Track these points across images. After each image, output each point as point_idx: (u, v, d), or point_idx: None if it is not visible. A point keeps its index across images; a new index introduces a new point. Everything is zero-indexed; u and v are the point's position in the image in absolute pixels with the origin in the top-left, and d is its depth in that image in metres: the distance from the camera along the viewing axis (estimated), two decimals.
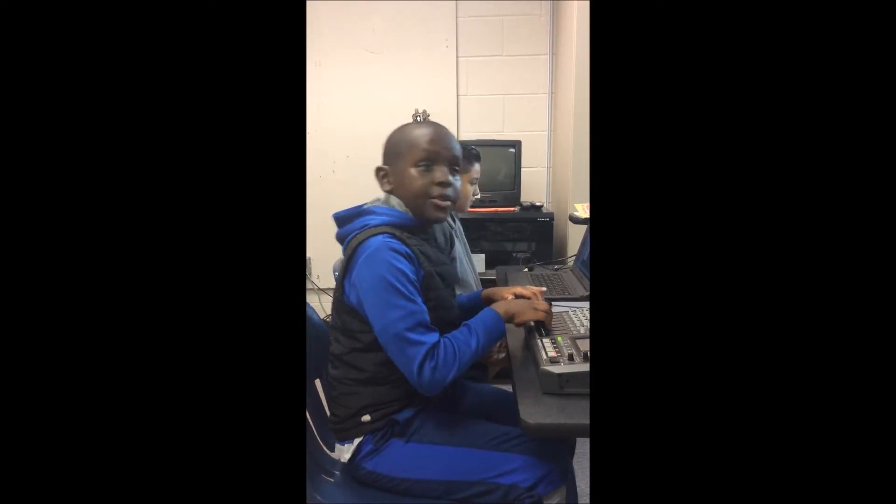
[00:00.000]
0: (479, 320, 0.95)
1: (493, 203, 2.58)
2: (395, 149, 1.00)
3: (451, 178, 0.99)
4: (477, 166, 1.72)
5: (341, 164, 2.89)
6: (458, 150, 1.00)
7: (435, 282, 0.98)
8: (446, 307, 1.02)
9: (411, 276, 0.90)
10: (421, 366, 0.86)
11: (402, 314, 0.87)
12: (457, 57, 2.84)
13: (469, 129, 2.90)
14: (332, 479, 1.03)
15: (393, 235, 0.93)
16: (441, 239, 1.18)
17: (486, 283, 1.92)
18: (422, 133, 0.98)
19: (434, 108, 2.84)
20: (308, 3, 2.76)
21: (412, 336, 0.86)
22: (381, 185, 1.04)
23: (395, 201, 1.01)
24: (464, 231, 1.81)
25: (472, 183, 1.71)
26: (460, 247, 1.71)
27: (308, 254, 2.87)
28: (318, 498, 0.96)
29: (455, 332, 0.92)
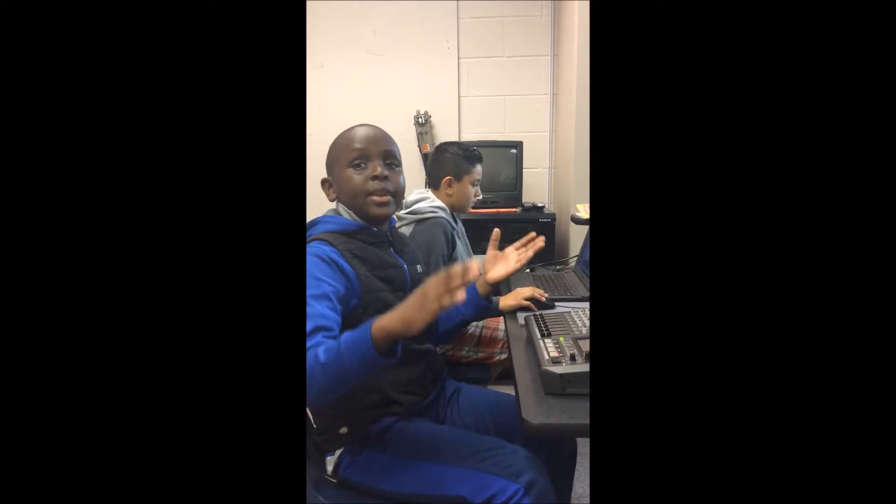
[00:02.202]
0: (347, 335, 0.77)
1: (494, 204, 2.58)
2: (332, 157, 1.02)
3: (386, 172, 0.99)
4: (479, 167, 1.72)
5: None
6: (391, 146, 1.01)
7: (373, 284, 0.96)
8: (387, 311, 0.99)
9: (322, 276, 0.88)
10: None
11: None
12: (458, 58, 2.85)
13: (470, 130, 2.90)
14: (335, 481, 1.03)
15: (325, 241, 0.94)
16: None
17: None
18: (351, 134, 1.00)
19: (435, 109, 2.86)
20: (309, 5, 2.77)
21: None
22: (328, 195, 1.05)
23: (341, 209, 1.03)
24: (465, 232, 1.81)
25: (473, 184, 1.72)
26: (462, 248, 1.71)
27: None
28: (321, 499, 0.96)
29: (328, 344, 0.78)
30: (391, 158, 1.01)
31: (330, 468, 1.00)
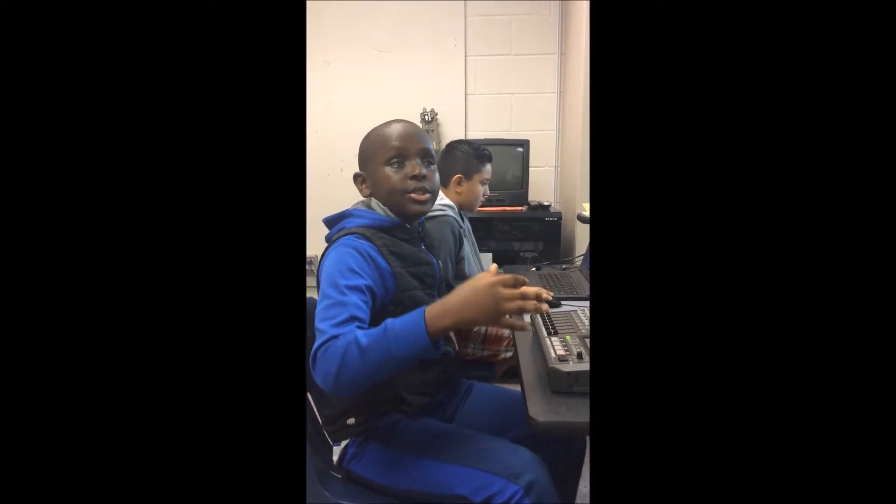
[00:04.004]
0: (397, 322, 0.77)
1: (500, 202, 2.58)
2: (367, 152, 1.02)
3: (424, 171, 0.99)
4: (489, 167, 1.72)
5: (349, 163, 2.90)
6: (428, 144, 1.01)
7: (407, 282, 0.96)
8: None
9: (359, 269, 0.88)
10: (313, 357, 0.77)
11: (326, 304, 0.82)
12: (465, 56, 2.85)
13: (477, 128, 2.90)
14: (339, 476, 1.03)
15: (361, 235, 0.94)
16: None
17: None
18: (389, 131, 1.00)
19: (442, 107, 2.85)
20: (317, 3, 2.77)
21: (321, 326, 0.79)
22: (361, 190, 1.05)
23: (374, 204, 1.02)
24: (471, 230, 1.81)
25: (482, 183, 1.72)
26: (468, 246, 1.71)
27: (314, 252, 2.88)
28: (327, 495, 0.97)
29: (370, 330, 0.78)
30: (428, 156, 1.01)
31: (335, 458, 1.01)
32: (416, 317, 0.76)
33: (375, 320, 0.90)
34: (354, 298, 0.84)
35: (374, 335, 0.76)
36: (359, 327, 0.81)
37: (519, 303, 0.74)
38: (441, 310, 0.76)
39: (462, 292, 0.77)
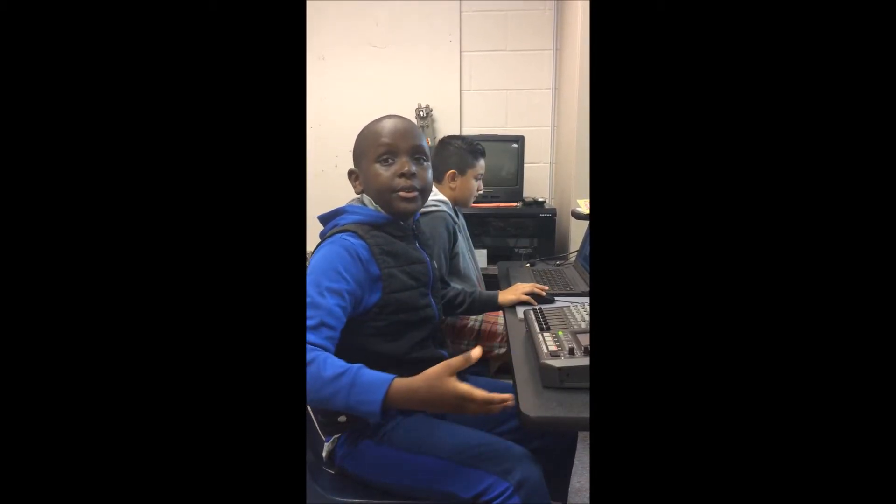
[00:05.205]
0: (364, 375, 0.77)
1: (495, 198, 2.58)
2: (359, 148, 1.01)
3: (414, 168, 0.97)
4: (482, 162, 1.72)
5: (344, 159, 2.89)
6: (419, 140, 0.99)
7: (398, 282, 0.96)
8: (411, 309, 0.99)
9: (344, 272, 0.88)
10: None
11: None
12: (460, 52, 2.84)
13: (472, 124, 2.89)
14: (332, 471, 1.03)
15: (355, 234, 0.93)
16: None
17: (488, 279, 1.93)
18: (380, 128, 0.98)
19: (437, 102, 2.85)
20: (315, 0, 2.76)
21: None
22: (354, 187, 1.04)
23: (367, 200, 1.02)
24: (466, 226, 1.81)
25: (476, 178, 1.72)
26: (463, 242, 1.71)
27: (308, 249, 2.87)
28: (319, 489, 0.97)
29: (338, 362, 0.78)
30: (420, 153, 0.99)
31: (324, 454, 1.02)
32: (381, 382, 0.77)
33: (357, 323, 0.90)
34: (330, 302, 0.84)
35: (338, 372, 0.77)
36: (328, 333, 0.82)
37: (482, 410, 0.77)
38: (406, 391, 0.77)
39: (430, 390, 0.76)
